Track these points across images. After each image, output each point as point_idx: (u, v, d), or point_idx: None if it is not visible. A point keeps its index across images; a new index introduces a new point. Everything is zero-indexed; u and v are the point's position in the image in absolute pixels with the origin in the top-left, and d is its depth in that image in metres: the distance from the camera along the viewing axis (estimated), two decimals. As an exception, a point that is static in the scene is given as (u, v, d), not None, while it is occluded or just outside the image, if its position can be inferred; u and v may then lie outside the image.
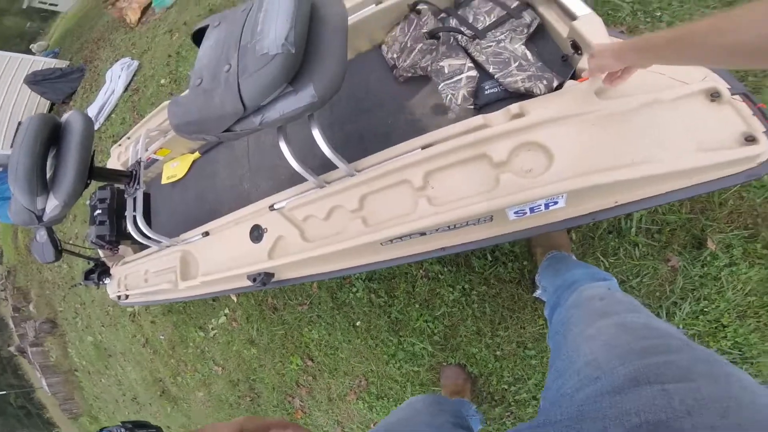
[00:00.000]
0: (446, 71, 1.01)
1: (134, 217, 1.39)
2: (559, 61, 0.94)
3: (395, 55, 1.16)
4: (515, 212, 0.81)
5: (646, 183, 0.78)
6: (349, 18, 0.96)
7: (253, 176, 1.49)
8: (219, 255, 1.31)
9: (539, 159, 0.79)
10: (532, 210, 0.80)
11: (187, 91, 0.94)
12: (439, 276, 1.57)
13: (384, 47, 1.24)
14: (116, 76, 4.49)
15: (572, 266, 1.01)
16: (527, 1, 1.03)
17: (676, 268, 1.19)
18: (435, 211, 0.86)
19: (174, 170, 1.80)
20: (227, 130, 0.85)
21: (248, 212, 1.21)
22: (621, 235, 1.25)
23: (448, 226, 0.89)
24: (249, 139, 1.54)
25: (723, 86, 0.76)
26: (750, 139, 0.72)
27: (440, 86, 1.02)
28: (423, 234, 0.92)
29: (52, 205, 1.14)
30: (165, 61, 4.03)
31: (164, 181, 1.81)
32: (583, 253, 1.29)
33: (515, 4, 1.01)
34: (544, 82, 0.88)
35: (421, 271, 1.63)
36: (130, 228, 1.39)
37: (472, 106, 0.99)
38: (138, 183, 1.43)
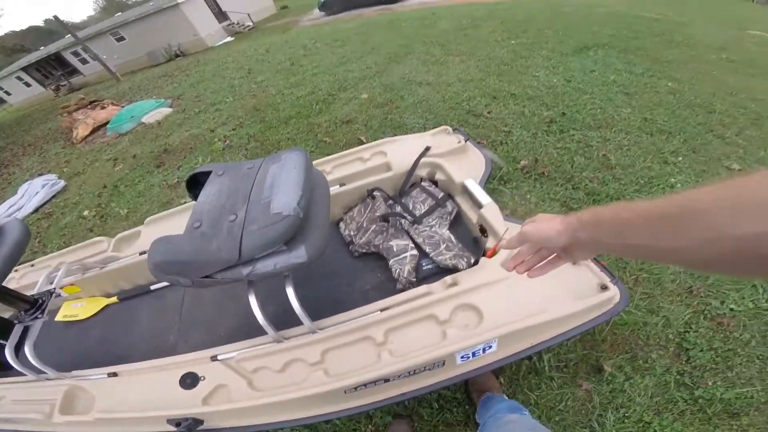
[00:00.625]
0: (395, 250, 1.33)
1: (18, 345, 1.26)
2: (471, 242, 1.34)
3: (352, 233, 1.48)
4: (462, 357, 1.03)
5: (547, 327, 1.08)
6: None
7: (183, 329, 1.50)
8: (130, 396, 1.22)
9: (473, 316, 1.07)
10: (473, 354, 1.03)
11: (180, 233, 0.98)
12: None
13: (342, 224, 1.56)
14: (33, 192, 4.01)
15: (498, 402, 1.23)
16: (448, 192, 1.49)
17: (589, 390, 1.45)
18: (397, 360, 1.04)
19: (76, 310, 1.73)
20: (207, 276, 0.89)
21: (179, 360, 1.20)
22: (539, 374, 1.51)
23: (409, 372, 1.05)
24: (185, 293, 1.61)
25: None
26: (604, 287, 1.08)
27: (390, 262, 1.32)
28: (387, 380, 1.06)
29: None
30: (97, 191, 3.80)
31: (59, 318, 1.71)
32: (513, 391, 1.50)
33: (441, 195, 1.47)
34: (465, 259, 1.24)
35: (370, 426, 1.63)
36: (8, 355, 1.24)
37: (414, 279, 1.28)
38: (42, 312, 1.36)
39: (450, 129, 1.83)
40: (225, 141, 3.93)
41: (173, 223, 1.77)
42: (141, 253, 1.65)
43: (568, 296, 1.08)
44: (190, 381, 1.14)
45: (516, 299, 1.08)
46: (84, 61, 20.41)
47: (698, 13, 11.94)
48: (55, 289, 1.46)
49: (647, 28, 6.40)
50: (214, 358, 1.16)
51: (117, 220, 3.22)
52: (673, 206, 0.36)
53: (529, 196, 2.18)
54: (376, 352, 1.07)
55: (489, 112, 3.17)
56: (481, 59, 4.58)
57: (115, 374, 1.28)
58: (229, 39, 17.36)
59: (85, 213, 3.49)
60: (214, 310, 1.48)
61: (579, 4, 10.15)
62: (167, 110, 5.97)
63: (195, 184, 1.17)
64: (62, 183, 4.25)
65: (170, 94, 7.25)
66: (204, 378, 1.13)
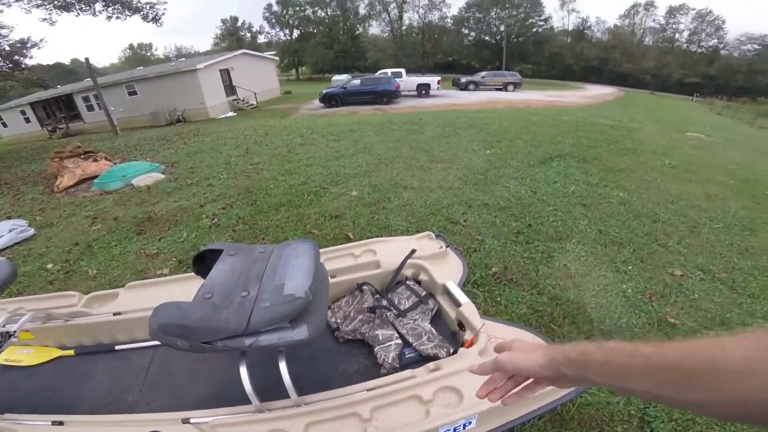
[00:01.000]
0: (380, 338, 1.49)
1: None
2: (450, 335, 1.51)
3: (339, 320, 1.64)
4: (443, 431, 1.13)
5: (521, 404, 1.21)
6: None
7: (147, 391, 1.48)
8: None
9: (454, 396, 1.21)
10: (455, 430, 1.14)
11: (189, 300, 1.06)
12: None
13: (329, 312, 1.72)
14: None
15: None
16: (430, 292, 1.69)
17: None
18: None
19: (21, 356, 1.66)
20: (208, 343, 0.98)
21: (144, 418, 1.20)
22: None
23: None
24: (154, 358, 1.62)
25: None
26: None
27: (376, 349, 1.47)
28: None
29: None
30: (67, 247, 3.65)
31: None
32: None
33: (424, 293, 1.67)
34: (445, 349, 1.40)
35: None
36: None
37: (398, 365, 1.43)
38: None
39: (433, 235, 2.13)
40: (213, 219, 3.97)
41: (156, 292, 1.81)
42: (115, 314, 1.69)
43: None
44: None
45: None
46: (90, 108, 20.40)
47: (647, 116, 14.21)
48: (15, 332, 1.46)
49: (603, 135, 7.49)
50: (185, 421, 1.15)
51: (83, 279, 3.10)
52: (690, 359, 0.35)
53: (499, 299, 2.42)
54: (362, 428, 1.13)
55: (465, 221, 3.55)
56: (460, 168, 5.21)
57: (60, 423, 1.22)
58: (231, 114, 18.13)
59: (49, 266, 3.33)
60: (183, 376, 1.49)
61: (547, 112, 11.89)
62: (159, 176, 5.93)
63: (199, 260, 1.31)
64: (32, 231, 4.04)
65: (165, 159, 7.32)
66: None
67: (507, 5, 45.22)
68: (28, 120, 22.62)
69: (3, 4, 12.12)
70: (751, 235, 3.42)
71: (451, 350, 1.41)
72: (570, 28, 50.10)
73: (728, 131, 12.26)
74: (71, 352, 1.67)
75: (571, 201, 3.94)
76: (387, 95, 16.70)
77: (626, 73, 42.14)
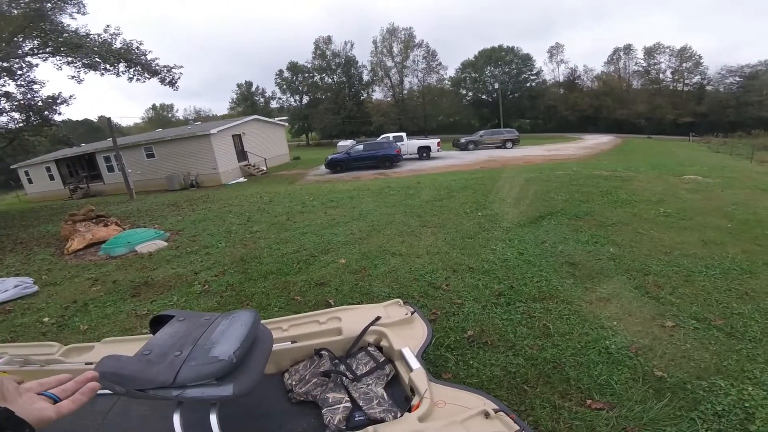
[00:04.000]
0: (330, 401, 1.64)
1: None
2: (404, 399, 1.64)
3: (294, 383, 1.80)
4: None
5: None
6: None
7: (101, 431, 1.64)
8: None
9: None
10: None
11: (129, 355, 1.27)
12: None
13: (287, 375, 1.89)
14: (2, 289, 4.21)
15: None
16: (390, 357, 1.85)
17: None
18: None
19: None
20: (141, 390, 1.17)
21: None
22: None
23: None
24: (115, 405, 1.77)
25: (490, 408, 1.42)
26: None
27: (323, 410, 1.61)
28: None
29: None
30: (65, 304, 3.96)
31: None
32: None
33: (382, 359, 1.83)
34: (392, 413, 1.54)
35: None
36: None
37: (343, 426, 1.55)
38: None
39: (401, 302, 2.31)
40: (204, 285, 4.30)
41: (128, 347, 1.99)
42: (87, 363, 1.88)
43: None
44: None
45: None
46: (111, 168, 21.11)
47: (643, 162, 14.21)
48: None
49: (596, 188, 7.67)
50: None
51: (73, 332, 3.38)
52: None
53: (472, 362, 2.52)
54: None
55: (447, 285, 3.71)
56: (449, 232, 5.46)
57: None
58: (242, 179, 19.08)
59: (45, 319, 3.66)
60: (136, 422, 1.65)
61: (542, 168, 12.21)
62: (162, 243, 6.38)
63: (158, 321, 1.55)
64: (35, 288, 4.47)
65: (171, 227, 7.87)
66: None
67: (500, 62, 48.69)
68: (52, 177, 23.73)
69: (39, 57, 13.56)
70: (751, 278, 3.42)
71: (399, 414, 1.53)
72: (561, 80, 52.92)
73: (726, 169, 12.31)
74: None
75: (558, 260, 4.08)
76: (389, 159, 17.73)
77: (621, 119, 43.49)
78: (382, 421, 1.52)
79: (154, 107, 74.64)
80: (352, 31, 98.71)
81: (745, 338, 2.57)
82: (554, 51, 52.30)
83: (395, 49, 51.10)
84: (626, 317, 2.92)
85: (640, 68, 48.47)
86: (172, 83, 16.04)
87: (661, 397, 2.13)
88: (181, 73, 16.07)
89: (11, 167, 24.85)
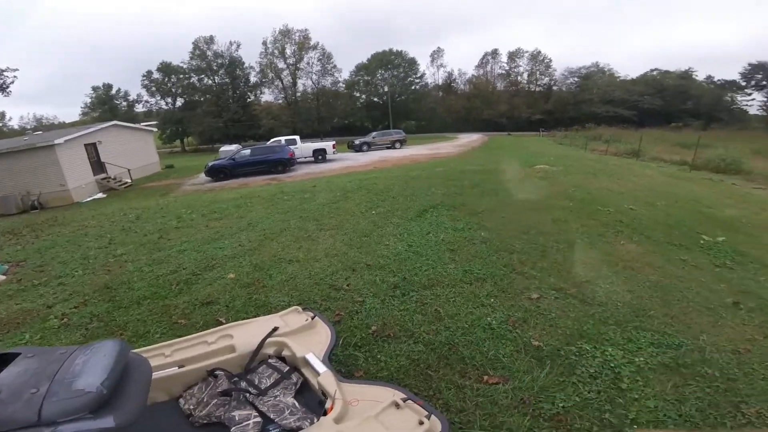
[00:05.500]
0: (237, 419, 1.61)
1: None
2: (318, 405, 1.69)
3: (192, 407, 1.71)
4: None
5: None
6: (154, 374, 1.48)
7: None
8: None
9: None
10: None
11: None
12: None
13: (182, 400, 1.78)
14: None
15: None
16: (295, 366, 1.87)
17: None
18: None
19: None
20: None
21: None
22: None
23: None
24: None
25: (399, 398, 1.55)
26: (421, 422, 1.45)
27: (232, 429, 1.57)
28: None
29: None
30: None
31: None
32: None
33: (287, 369, 1.84)
34: (309, 420, 1.59)
35: None
36: None
37: None
38: None
39: (300, 308, 2.33)
40: (63, 319, 3.77)
41: None
42: None
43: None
44: None
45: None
46: None
47: (504, 156, 16.57)
48: None
49: (469, 182, 8.74)
50: None
51: None
52: None
53: (379, 356, 2.66)
54: None
55: (348, 285, 3.83)
56: (347, 232, 5.60)
57: None
58: (100, 195, 16.42)
59: None
60: None
61: (425, 166, 13.46)
62: (0, 277, 5.44)
63: (1, 361, 1.39)
64: None
65: (9, 258, 6.59)
66: None
67: (389, 66, 51.25)
68: None
69: None
70: (590, 249, 4.19)
71: (315, 420, 1.58)
72: (440, 83, 58.22)
73: (567, 158, 15.03)
74: None
75: (441, 248, 4.53)
76: (282, 164, 17.09)
77: (487, 119, 50.00)
78: (299, 429, 1.55)
79: (-24, 117, 58.45)
80: (237, 33, 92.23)
81: (595, 303, 3.09)
82: (435, 55, 57.16)
83: (288, 51, 50.05)
84: (500, 294, 3.38)
85: (503, 71, 56.00)
86: (2, 89, 12.81)
87: (543, 366, 2.46)
88: (15, 76, 12.96)
89: None
